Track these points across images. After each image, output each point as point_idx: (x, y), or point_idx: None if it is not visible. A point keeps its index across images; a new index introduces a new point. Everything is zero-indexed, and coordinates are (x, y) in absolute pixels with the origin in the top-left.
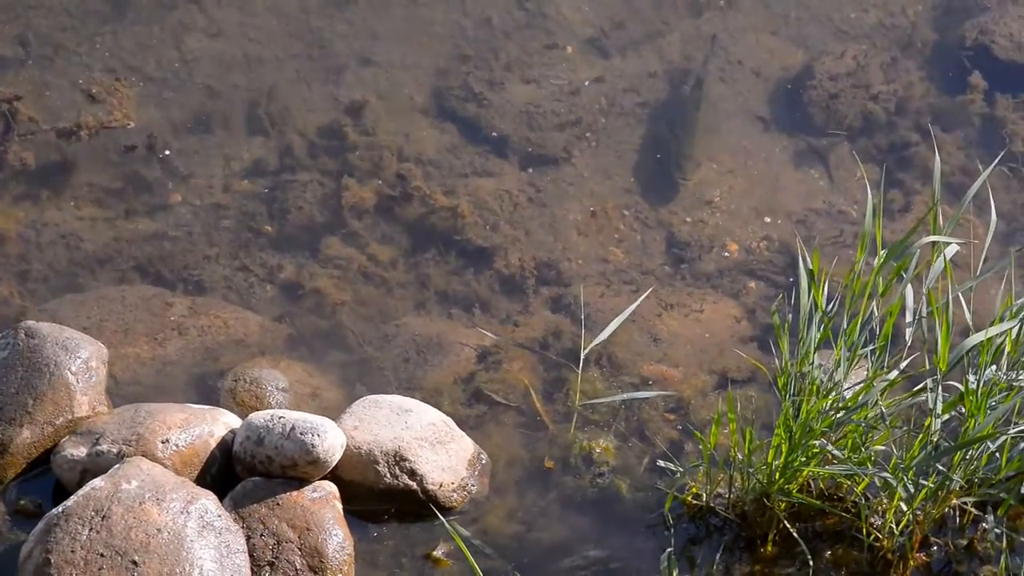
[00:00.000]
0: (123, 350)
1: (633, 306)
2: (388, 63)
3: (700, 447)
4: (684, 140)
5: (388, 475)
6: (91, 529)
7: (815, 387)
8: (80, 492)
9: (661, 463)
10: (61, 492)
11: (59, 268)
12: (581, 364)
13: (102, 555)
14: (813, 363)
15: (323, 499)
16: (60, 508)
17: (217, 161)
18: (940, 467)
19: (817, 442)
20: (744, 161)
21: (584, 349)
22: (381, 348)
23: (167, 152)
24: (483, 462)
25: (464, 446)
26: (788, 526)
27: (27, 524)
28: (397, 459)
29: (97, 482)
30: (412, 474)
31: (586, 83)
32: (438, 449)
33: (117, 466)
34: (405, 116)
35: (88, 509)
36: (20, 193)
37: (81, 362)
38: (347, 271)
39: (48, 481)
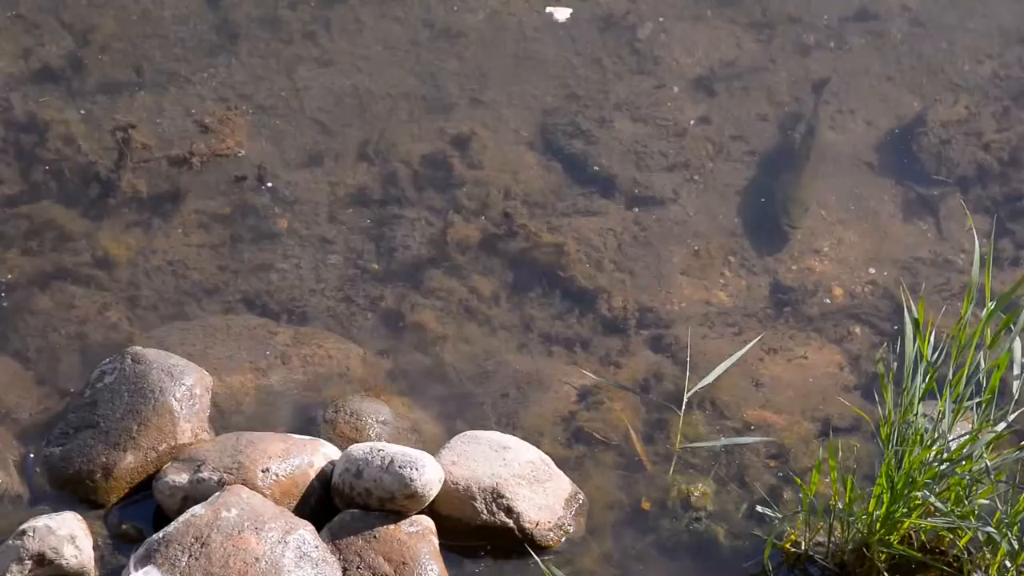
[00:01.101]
0: (226, 378)
1: (743, 351)
2: (495, 101)
3: (800, 495)
4: (793, 188)
5: (485, 511)
6: (190, 556)
7: (919, 437)
8: (180, 519)
9: (760, 509)
10: (162, 518)
11: (167, 296)
12: (684, 407)
13: None
14: (917, 413)
15: (419, 533)
16: (161, 534)
17: (324, 191)
18: None
19: (919, 493)
20: (853, 209)
21: (687, 392)
22: (481, 384)
23: (271, 183)
24: (580, 502)
25: (562, 485)
26: None
27: (128, 548)
28: (494, 496)
29: (197, 509)
30: (509, 511)
31: (691, 122)
32: (535, 487)
33: (217, 494)
34: (512, 151)
35: (188, 536)
36: (132, 220)
37: (185, 389)
38: (449, 304)
39: (149, 506)
